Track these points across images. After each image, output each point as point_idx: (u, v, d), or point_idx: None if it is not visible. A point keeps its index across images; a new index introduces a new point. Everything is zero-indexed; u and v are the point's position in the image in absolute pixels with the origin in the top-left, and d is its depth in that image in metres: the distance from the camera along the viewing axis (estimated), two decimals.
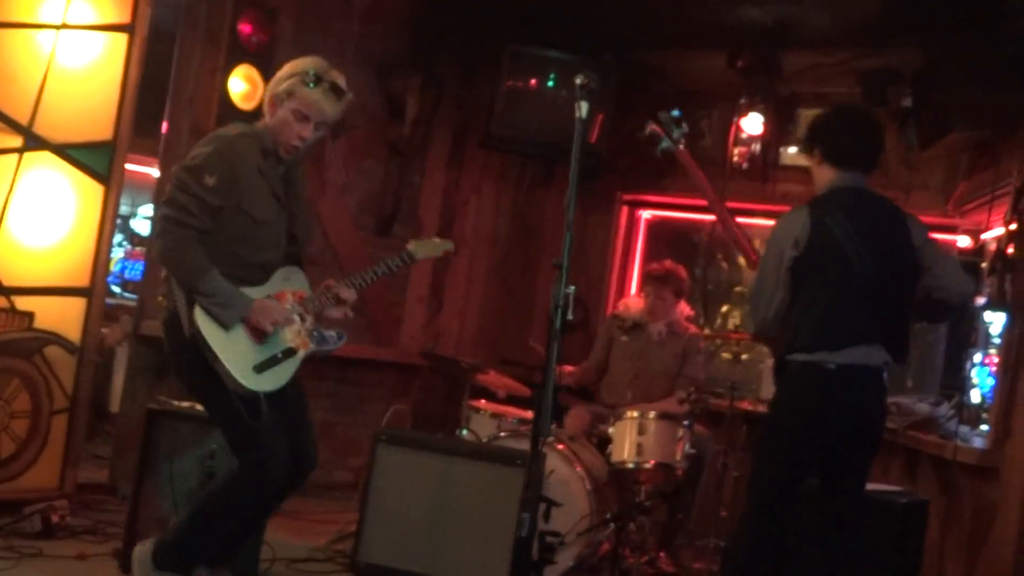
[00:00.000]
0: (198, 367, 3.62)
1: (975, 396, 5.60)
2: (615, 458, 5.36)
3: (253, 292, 3.71)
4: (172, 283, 3.63)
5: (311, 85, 3.68)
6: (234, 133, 3.72)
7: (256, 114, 5.99)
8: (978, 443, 5.13)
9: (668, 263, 6.23)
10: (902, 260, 4.06)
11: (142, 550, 3.81)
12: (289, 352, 3.77)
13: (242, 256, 3.70)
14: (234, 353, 3.60)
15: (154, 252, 3.59)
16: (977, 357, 5.70)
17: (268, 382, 3.67)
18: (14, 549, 4.56)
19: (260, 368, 3.65)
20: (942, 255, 4.19)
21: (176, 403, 4.81)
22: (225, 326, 3.58)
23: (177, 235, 3.53)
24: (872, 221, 4.07)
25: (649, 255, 7.81)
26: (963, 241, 6.54)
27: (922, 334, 6.86)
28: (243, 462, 3.70)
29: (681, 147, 4.64)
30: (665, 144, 4.58)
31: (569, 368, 6.20)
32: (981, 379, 5.64)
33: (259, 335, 3.68)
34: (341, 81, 3.76)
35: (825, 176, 4.17)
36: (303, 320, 3.83)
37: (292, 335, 3.78)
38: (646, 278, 6.32)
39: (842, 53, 6.49)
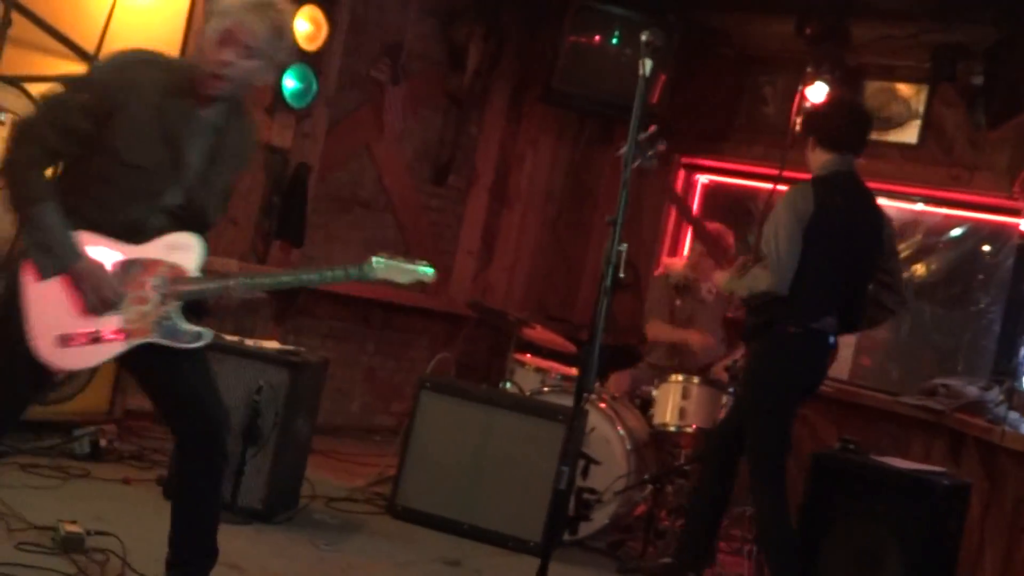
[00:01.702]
0: (5, 299, 3.00)
1: None
2: (657, 420, 5.37)
3: (120, 251, 3.03)
4: None
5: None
6: (137, 57, 3.05)
7: (319, 55, 6.07)
8: None
9: (722, 225, 6.27)
10: (873, 243, 4.58)
11: None
12: (115, 334, 3.02)
13: (105, 203, 2.98)
14: (45, 306, 2.94)
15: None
16: None
17: (68, 359, 3.00)
18: (63, 469, 4.66)
19: (65, 340, 2.97)
20: (897, 254, 4.80)
21: (226, 336, 4.87)
22: (40, 274, 2.93)
23: (23, 147, 2.90)
24: (859, 205, 4.58)
25: (703, 220, 7.76)
26: None
27: (976, 317, 6.78)
28: None
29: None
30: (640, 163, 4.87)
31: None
32: None
33: (81, 303, 2.98)
34: (283, 4, 3.04)
35: (819, 159, 4.60)
36: (162, 302, 3.05)
37: (135, 315, 3.02)
38: (699, 232, 6.34)
39: (913, 26, 6.36)
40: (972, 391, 5.68)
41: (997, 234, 6.92)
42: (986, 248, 7.00)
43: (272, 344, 4.95)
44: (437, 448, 5.10)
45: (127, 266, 3.03)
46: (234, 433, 4.53)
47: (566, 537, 5.12)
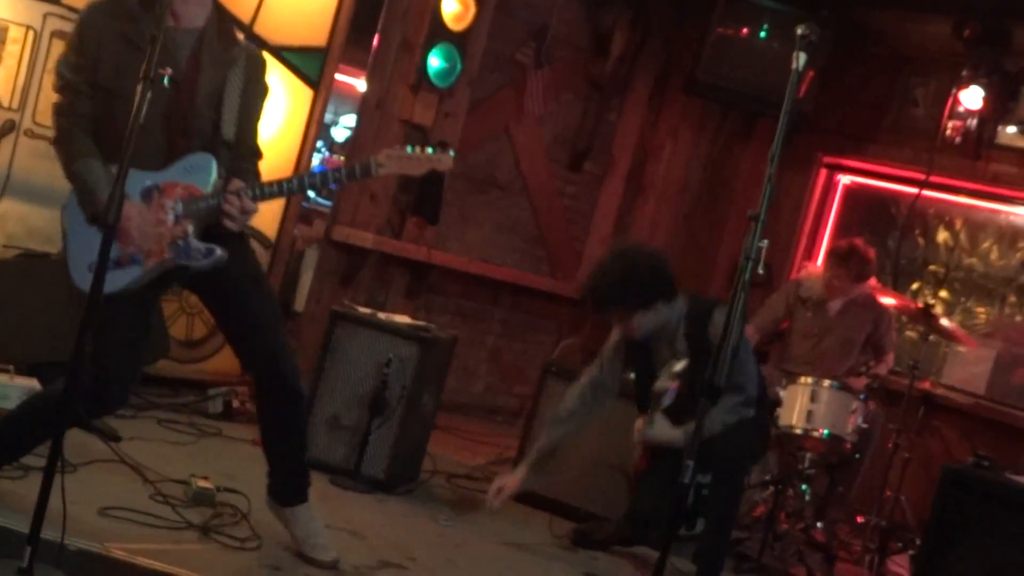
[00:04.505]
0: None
1: None
2: (783, 421, 5.26)
3: (143, 177, 3.13)
4: None
5: None
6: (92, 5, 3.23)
7: (465, 35, 6.11)
8: None
9: (857, 241, 5.92)
10: None
11: None
12: (132, 259, 3.14)
13: (112, 138, 3.01)
14: (80, 243, 3.13)
15: None
16: None
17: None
18: (196, 426, 4.83)
19: (92, 267, 2.92)
20: None
21: (359, 308, 4.96)
22: (87, 218, 3.14)
23: (57, 122, 3.19)
24: None
25: (843, 222, 7.57)
26: None
27: None
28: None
29: None
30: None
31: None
32: None
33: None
34: None
35: None
36: (176, 223, 3.16)
37: (152, 238, 3.17)
38: (828, 253, 6.14)
39: None
40: None
41: None
42: None
43: (403, 319, 5.02)
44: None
45: (147, 193, 3.17)
46: (362, 403, 4.66)
47: (682, 532, 5.06)
